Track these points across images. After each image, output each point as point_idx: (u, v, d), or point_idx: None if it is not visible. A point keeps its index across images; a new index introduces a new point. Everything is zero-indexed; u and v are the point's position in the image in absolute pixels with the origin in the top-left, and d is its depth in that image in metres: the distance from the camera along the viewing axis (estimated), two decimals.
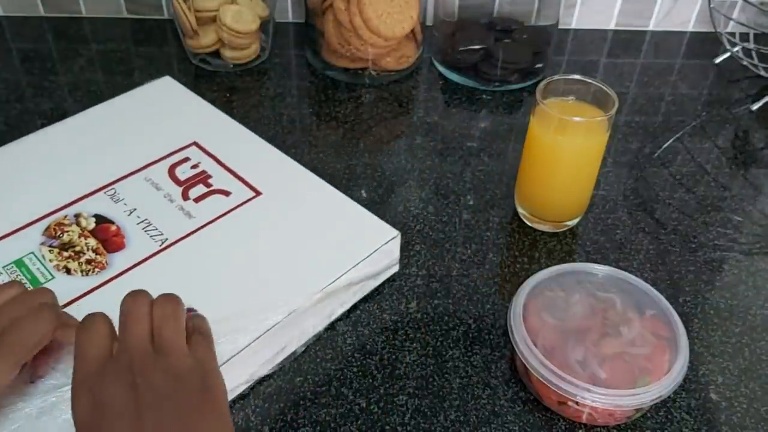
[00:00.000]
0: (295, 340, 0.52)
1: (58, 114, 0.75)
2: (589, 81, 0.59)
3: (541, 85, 0.58)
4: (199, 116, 0.69)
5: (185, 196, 0.59)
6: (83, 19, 0.90)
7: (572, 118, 0.57)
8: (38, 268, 0.52)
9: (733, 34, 0.88)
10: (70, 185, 0.60)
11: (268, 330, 0.49)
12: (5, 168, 0.62)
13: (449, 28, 0.83)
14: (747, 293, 0.59)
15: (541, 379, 0.47)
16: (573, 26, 0.93)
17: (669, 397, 0.48)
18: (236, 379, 0.49)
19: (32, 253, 0.54)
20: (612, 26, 0.93)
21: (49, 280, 0.52)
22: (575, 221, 0.64)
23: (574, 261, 0.61)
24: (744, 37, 0.89)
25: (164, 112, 0.69)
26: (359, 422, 0.49)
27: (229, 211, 0.58)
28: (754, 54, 0.86)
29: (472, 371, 0.52)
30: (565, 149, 0.59)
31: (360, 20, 0.74)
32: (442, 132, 0.75)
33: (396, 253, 0.58)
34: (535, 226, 0.64)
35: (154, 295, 0.43)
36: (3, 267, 0.53)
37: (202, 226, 0.56)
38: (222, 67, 0.83)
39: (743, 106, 0.81)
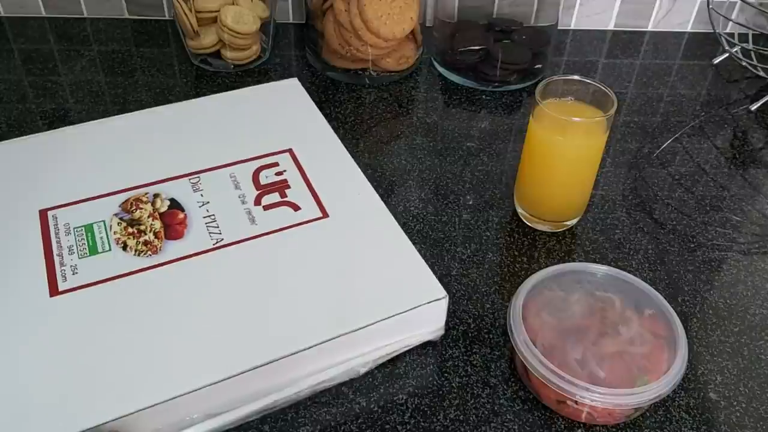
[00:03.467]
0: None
1: (60, 114, 0.75)
2: (588, 81, 0.59)
3: (541, 85, 0.58)
4: (305, 125, 0.68)
5: (257, 201, 0.59)
6: (85, 20, 0.90)
7: (571, 119, 0.57)
8: (101, 237, 0.55)
9: (731, 35, 0.88)
10: (160, 165, 0.61)
11: (274, 360, 0.47)
12: (107, 137, 0.65)
13: (449, 29, 0.83)
14: (746, 293, 0.59)
15: (540, 378, 0.47)
16: (572, 27, 0.93)
17: (668, 396, 0.48)
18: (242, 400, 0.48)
19: (103, 221, 0.56)
20: (611, 27, 0.93)
21: (106, 251, 0.54)
22: (574, 221, 0.64)
23: (573, 261, 0.61)
24: (743, 37, 0.89)
25: (275, 113, 0.69)
26: (359, 421, 0.49)
27: (291, 226, 0.57)
28: (752, 54, 0.86)
29: (472, 370, 0.52)
30: (565, 149, 0.59)
31: (360, 21, 0.75)
32: (442, 132, 0.76)
33: (441, 320, 0.53)
34: (535, 225, 0.64)
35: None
36: (74, 228, 0.55)
37: (260, 235, 0.56)
38: (223, 68, 0.83)
39: (742, 107, 0.81)
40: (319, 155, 0.64)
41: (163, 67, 0.83)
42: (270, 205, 0.59)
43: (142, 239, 0.55)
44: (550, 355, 0.48)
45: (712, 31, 0.85)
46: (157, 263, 0.53)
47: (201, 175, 0.61)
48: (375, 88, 0.82)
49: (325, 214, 0.58)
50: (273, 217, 0.58)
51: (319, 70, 0.84)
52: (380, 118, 0.78)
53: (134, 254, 0.54)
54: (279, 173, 0.62)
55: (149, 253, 0.54)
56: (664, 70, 0.87)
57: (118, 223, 0.56)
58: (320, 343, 0.48)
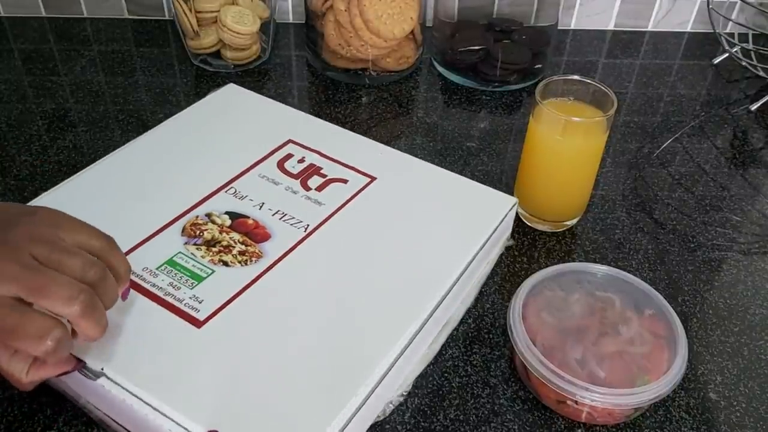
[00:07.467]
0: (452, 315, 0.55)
1: (60, 114, 0.75)
2: (588, 81, 0.59)
3: (541, 85, 0.58)
4: (281, 116, 0.68)
5: (306, 187, 0.59)
6: (85, 20, 0.90)
7: (571, 119, 0.57)
8: (193, 265, 0.52)
9: (731, 35, 0.88)
10: (186, 189, 0.58)
11: (438, 304, 0.51)
12: (114, 178, 0.60)
13: (449, 29, 0.83)
14: (746, 293, 0.59)
15: (540, 378, 0.47)
16: (572, 27, 0.93)
17: (668, 396, 0.48)
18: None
19: (180, 252, 0.53)
20: (611, 27, 0.93)
21: (210, 274, 0.51)
22: (574, 221, 0.64)
23: (573, 261, 0.61)
24: (743, 37, 0.89)
25: (244, 116, 0.68)
26: None
27: (353, 197, 0.58)
28: (752, 54, 0.86)
29: (472, 370, 0.52)
30: (565, 149, 0.59)
31: (360, 21, 0.75)
32: (442, 132, 0.76)
33: (510, 226, 0.60)
34: (535, 225, 0.64)
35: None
36: (157, 268, 0.51)
37: (335, 212, 0.56)
38: (223, 68, 0.83)
39: (742, 107, 0.81)
40: (317, 135, 0.65)
41: (163, 67, 0.83)
42: (320, 186, 0.59)
43: (235, 251, 0.53)
44: (550, 355, 0.48)
45: (712, 31, 0.85)
46: (271, 263, 0.52)
47: (232, 184, 0.59)
48: (375, 88, 0.81)
49: (372, 178, 0.60)
50: (331, 194, 0.58)
51: (319, 70, 0.84)
52: (380, 118, 0.78)
53: (240, 265, 0.52)
54: (301, 161, 0.62)
55: (253, 259, 0.52)
56: (664, 70, 0.87)
57: (198, 249, 0.53)
58: (460, 274, 0.52)
